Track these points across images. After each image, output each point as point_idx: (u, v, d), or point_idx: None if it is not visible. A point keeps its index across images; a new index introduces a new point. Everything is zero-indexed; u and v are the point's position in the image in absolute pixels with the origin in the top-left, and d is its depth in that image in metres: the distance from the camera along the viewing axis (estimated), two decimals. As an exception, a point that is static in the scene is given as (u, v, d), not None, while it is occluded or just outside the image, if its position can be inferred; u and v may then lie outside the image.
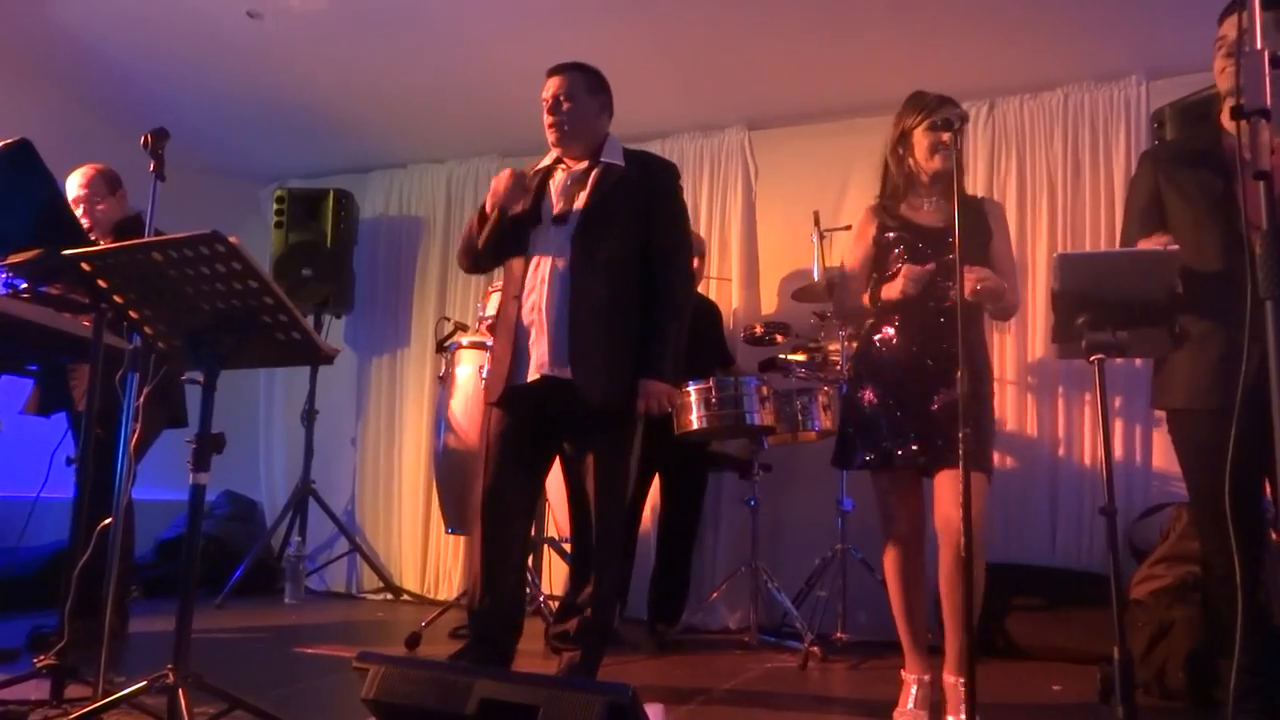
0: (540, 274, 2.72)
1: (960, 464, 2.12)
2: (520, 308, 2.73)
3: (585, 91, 2.81)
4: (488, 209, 2.80)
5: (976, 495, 2.47)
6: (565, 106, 2.77)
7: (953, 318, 2.49)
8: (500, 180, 2.77)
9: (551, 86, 2.80)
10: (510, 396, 2.74)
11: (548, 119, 2.80)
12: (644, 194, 2.79)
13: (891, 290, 2.58)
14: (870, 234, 2.72)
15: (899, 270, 2.57)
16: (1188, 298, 2.15)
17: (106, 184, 3.47)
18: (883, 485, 2.65)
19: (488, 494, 2.73)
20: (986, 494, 2.54)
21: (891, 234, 2.66)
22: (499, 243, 2.84)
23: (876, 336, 2.68)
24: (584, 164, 2.83)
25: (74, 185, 3.42)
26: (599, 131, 2.85)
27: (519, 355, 2.71)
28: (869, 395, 2.64)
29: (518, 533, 2.78)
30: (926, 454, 2.54)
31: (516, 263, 2.81)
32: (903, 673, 2.62)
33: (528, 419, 2.74)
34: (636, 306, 2.76)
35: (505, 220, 2.79)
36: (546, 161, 2.91)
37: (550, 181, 2.86)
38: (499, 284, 3.90)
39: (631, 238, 2.76)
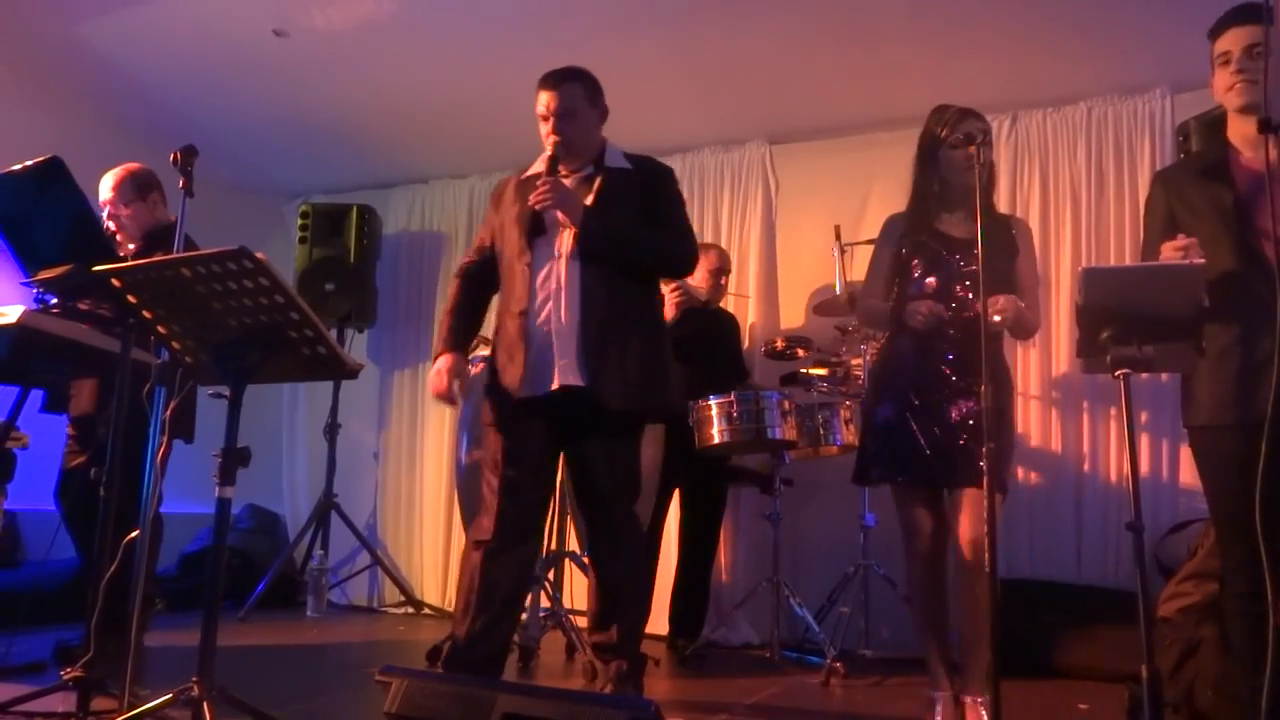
0: (553, 282, 2.63)
1: (981, 481, 2.12)
2: (530, 320, 2.64)
3: (586, 104, 2.71)
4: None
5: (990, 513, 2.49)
6: (566, 123, 2.67)
7: (972, 329, 2.50)
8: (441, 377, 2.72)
9: (549, 101, 2.67)
10: (517, 412, 2.65)
11: (548, 134, 2.68)
12: (646, 195, 2.75)
13: (911, 317, 2.57)
14: (893, 238, 2.72)
15: (926, 292, 2.58)
16: (1206, 312, 2.14)
17: (135, 188, 3.36)
18: (903, 499, 2.63)
19: (499, 516, 2.59)
20: (1000, 513, 2.51)
21: (917, 241, 2.66)
22: (492, 274, 2.82)
23: (893, 349, 2.67)
24: (584, 171, 2.76)
25: (104, 188, 3.34)
26: (599, 140, 2.80)
27: (535, 368, 2.62)
28: (886, 410, 2.63)
29: (524, 556, 2.66)
30: (944, 467, 2.52)
31: (519, 275, 2.68)
32: (928, 690, 2.59)
33: (535, 433, 2.66)
34: (645, 307, 2.74)
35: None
36: (541, 167, 2.72)
37: None
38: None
39: None
